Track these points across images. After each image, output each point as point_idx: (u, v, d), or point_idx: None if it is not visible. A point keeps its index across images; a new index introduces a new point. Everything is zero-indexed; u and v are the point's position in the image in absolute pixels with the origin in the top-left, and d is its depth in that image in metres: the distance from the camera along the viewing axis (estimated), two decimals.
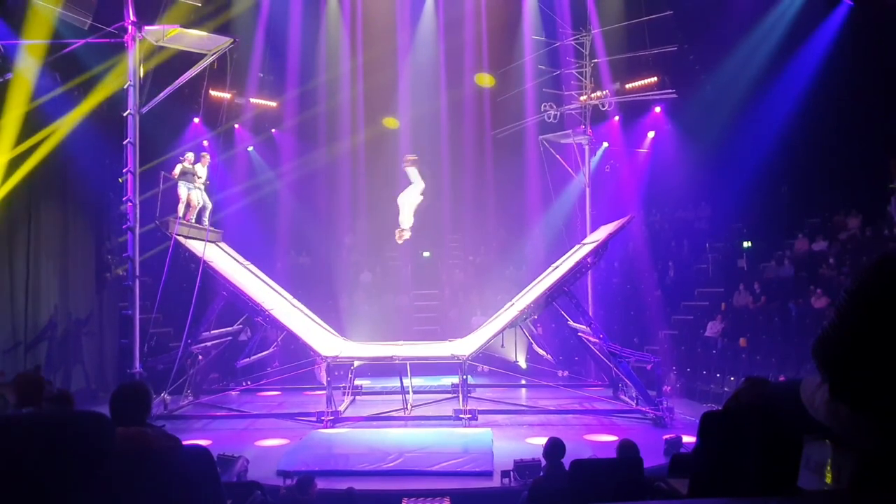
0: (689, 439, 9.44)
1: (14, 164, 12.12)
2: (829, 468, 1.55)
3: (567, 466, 5.87)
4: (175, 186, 13.90)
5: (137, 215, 11.80)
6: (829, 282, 14.05)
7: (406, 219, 14.17)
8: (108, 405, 3.22)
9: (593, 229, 15.62)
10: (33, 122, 12.49)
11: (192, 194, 14.08)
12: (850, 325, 1.48)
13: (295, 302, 15.45)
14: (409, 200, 14.21)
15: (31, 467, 2.06)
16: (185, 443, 3.14)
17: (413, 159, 14.44)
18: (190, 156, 14.22)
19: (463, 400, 12.55)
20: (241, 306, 14.24)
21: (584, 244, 14.62)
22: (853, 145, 15.29)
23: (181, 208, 13.88)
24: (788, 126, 16.01)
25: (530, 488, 6.14)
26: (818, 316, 13.24)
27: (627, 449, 6.07)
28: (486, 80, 21.59)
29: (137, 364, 11.61)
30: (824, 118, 15.53)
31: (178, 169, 13.89)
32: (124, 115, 11.87)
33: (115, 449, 2.43)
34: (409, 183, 14.25)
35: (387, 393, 14.11)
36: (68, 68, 13.32)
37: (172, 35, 11.69)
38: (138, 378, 10.80)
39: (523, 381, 15.35)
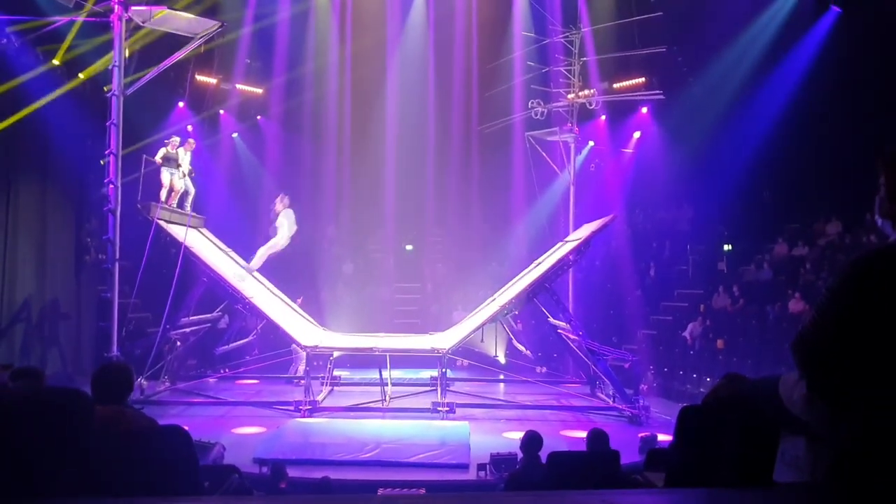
0: (664, 437, 9.52)
1: None
2: (804, 462, 1.57)
3: (543, 460, 5.90)
4: (158, 170, 13.76)
5: (119, 198, 11.67)
6: (806, 286, 14.22)
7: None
8: (90, 383, 3.21)
9: (576, 227, 15.67)
10: (14, 100, 12.29)
11: (175, 179, 13.96)
12: (828, 323, 1.51)
13: (275, 291, 15.38)
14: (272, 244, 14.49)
15: (9, 442, 2.04)
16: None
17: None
18: (175, 140, 14.08)
19: (441, 393, 12.59)
20: (221, 293, 14.15)
21: (567, 242, 14.67)
22: (836, 152, 15.44)
23: (164, 193, 13.76)
24: (772, 131, 16.14)
25: (507, 481, 6.17)
26: (795, 320, 13.40)
27: (597, 438, 6.10)
28: None
29: (115, 348, 11.51)
30: (808, 125, 15.66)
31: (161, 153, 13.75)
32: (107, 95, 11.71)
33: (94, 426, 2.42)
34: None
35: (365, 384, 14.08)
36: (52, 46, 13.12)
37: (159, 16, 11.53)
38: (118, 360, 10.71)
39: (502, 376, 15.38)
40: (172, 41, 12.92)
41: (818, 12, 16.22)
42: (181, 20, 12.01)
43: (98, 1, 11.51)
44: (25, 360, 12.89)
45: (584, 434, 10.58)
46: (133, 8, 11.48)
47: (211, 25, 12.28)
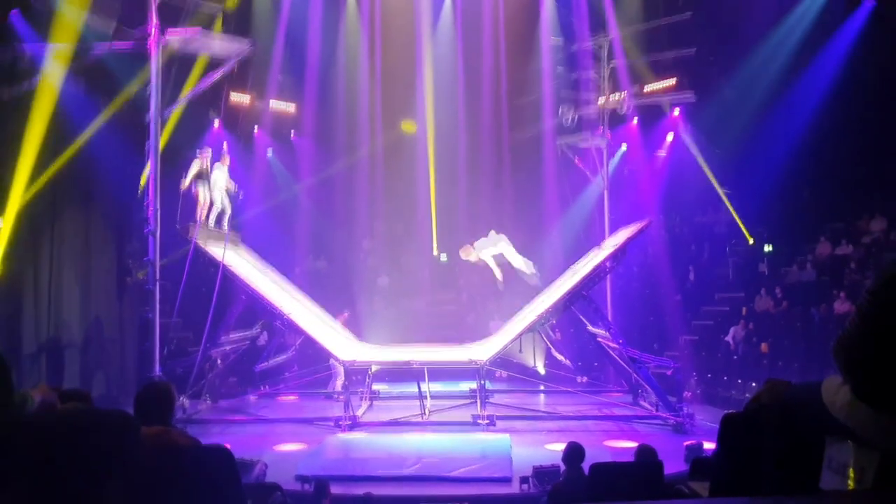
0: (709, 445, 9.34)
1: (38, 168, 12.26)
2: (851, 469, 1.53)
3: (586, 471, 5.84)
4: (195, 188, 13.90)
5: (158, 219, 11.89)
6: (852, 286, 13.88)
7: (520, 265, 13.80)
8: (133, 404, 3.27)
9: (612, 233, 15.54)
10: (58, 127, 12.63)
11: (214, 193, 14.09)
12: (871, 326, 1.47)
13: (313, 306, 15.51)
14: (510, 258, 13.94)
15: (58, 464, 2.08)
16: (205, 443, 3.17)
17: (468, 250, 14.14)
18: (207, 152, 14.13)
19: (481, 405, 12.52)
20: (259, 310, 14.31)
21: (603, 248, 14.55)
22: (876, 148, 15.09)
23: (201, 210, 13.85)
24: (810, 128, 15.83)
25: (549, 493, 6.11)
26: (841, 321, 13.08)
27: (646, 454, 6.03)
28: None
29: (157, 368, 11.70)
30: (846, 120, 15.34)
31: (194, 167, 13.77)
32: (146, 119, 11.97)
33: (140, 446, 2.46)
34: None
35: (404, 398, 14.09)
36: (93, 74, 13.46)
37: (194, 39, 11.79)
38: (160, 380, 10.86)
39: (542, 387, 15.26)
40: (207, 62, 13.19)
41: (851, 5, 15.89)
42: (215, 42, 12.26)
43: (136, 27, 11.81)
44: (71, 381, 13.14)
45: (628, 444, 10.54)
46: (169, 32, 11.75)
47: (244, 45, 12.51)
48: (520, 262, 13.55)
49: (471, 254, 13.69)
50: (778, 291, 15.38)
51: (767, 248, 17.66)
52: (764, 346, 14.25)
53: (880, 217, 15.36)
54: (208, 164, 13.93)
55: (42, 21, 12.15)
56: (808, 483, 1.66)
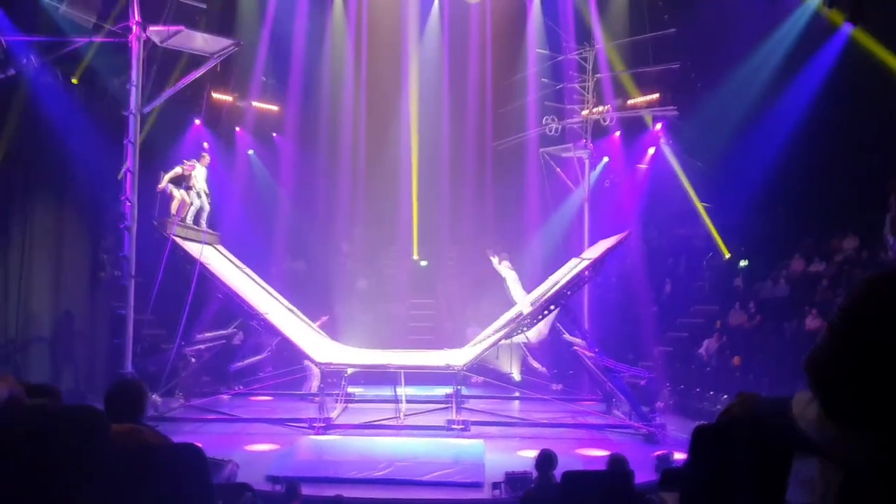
0: (680, 456, 9.41)
1: (10, 160, 12.07)
2: (817, 483, 1.55)
3: (558, 479, 5.86)
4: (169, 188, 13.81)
5: (135, 215, 11.77)
6: (824, 303, 14.07)
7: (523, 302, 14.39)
8: (104, 402, 3.23)
9: (591, 244, 15.62)
10: (33, 119, 12.46)
11: (190, 194, 14.01)
12: (841, 343, 1.49)
13: (290, 307, 15.42)
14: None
15: (25, 460, 2.06)
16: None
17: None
18: (193, 163, 14.09)
19: (455, 410, 12.52)
20: (235, 310, 14.20)
21: (582, 258, 14.62)
22: (851, 166, 15.33)
23: (174, 205, 13.74)
24: (787, 146, 16.05)
25: (521, 500, 6.13)
26: (812, 336, 13.24)
27: (617, 463, 6.07)
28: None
29: (129, 365, 11.55)
30: (823, 139, 15.57)
31: (175, 171, 13.75)
32: (125, 114, 11.85)
33: (109, 443, 2.43)
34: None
35: (379, 401, 14.04)
36: (72, 67, 13.30)
37: (177, 36, 11.69)
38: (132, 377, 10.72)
39: (517, 394, 15.31)
40: (189, 59, 13.08)
41: (831, 29, 16.17)
42: (198, 39, 12.17)
43: (116, 21, 11.69)
44: (40, 376, 12.91)
45: (600, 452, 10.59)
46: (151, 28, 11.64)
47: (227, 44, 12.43)
48: (518, 295, 14.36)
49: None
50: (752, 306, 15.55)
51: (743, 262, 17.85)
52: (736, 360, 14.39)
53: (853, 236, 15.60)
54: (191, 173, 13.88)
55: (21, 14, 11.98)
56: (777, 496, 1.68)
